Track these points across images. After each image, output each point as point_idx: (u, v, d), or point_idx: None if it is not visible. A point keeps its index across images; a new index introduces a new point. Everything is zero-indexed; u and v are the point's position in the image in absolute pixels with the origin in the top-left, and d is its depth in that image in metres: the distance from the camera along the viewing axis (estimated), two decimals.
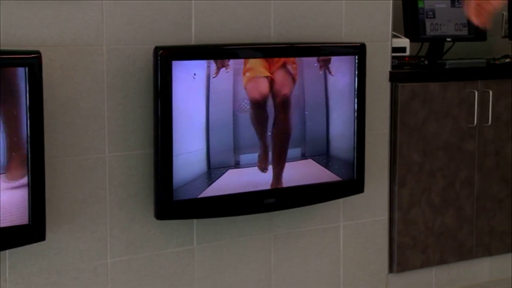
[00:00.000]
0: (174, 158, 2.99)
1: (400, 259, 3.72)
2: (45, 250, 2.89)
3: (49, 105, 2.79)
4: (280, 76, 3.20)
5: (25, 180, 2.70)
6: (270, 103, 3.19)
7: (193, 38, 3.14)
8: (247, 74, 3.13)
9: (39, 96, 2.69)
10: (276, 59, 3.19)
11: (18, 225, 2.71)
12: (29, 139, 2.69)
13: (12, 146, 2.68)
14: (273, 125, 3.21)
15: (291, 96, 3.23)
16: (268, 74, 3.17)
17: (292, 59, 3.22)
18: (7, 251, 2.80)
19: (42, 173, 2.73)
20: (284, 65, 3.21)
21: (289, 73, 3.23)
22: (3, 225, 2.67)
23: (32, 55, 2.69)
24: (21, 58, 2.68)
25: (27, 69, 2.66)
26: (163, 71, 2.94)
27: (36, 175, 2.72)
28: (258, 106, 3.17)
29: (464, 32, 4.08)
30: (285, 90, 3.22)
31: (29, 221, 2.72)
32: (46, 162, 2.75)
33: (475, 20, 2.60)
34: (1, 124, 2.64)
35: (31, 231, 2.74)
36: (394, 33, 3.70)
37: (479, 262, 3.97)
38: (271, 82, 3.18)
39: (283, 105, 3.22)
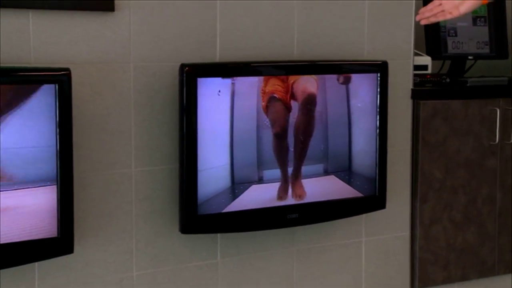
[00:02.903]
0: (199, 173, 3.03)
1: (421, 275, 3.75)
2: (73, 263, 2.95)
3: (77, 120, 2.84)
4: (297, 96, 3.24)
5: (54, 196, 2.75)
6: (287, 125, 3.23)
7: (218, 55, 3.20)
8: (266, 98, 3.17)
9: (68, 112, 2.74)
10: (296, 77, 3.22)
11: (47, 238, 2.75)
12: (58, 154, 2.73)
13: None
14: (291, 143, 3.24)
15: (309, 115, 3.27)
16: (286, 97, 3.21)
17: (311, 77, 3.26)
18: (36, 263, 2.85)
19: (71, 188, 2.78)
20: (303, 84, 3.24)
21: (308, 92, 3.26)
22: (32, 237, 2.72)
23: (62, 72, 2.73)
24: (52, 75, 2.73)
25: (57, 86, 2.71)
26: (188, 88, 2.98)
27: (65, 189, 2.76)
28: (279, 136, 3.22)
29: (486, 50, 4.12)
30: (302, 111, 3.25)
31: (58, 234, 2.77)
32: (74, 177, 2.80)
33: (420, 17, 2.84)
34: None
35: (59, 244, 2.78)
36: (416, 51, 3.73)
37: (501, 279, 3.99)
38: (290, 105, 3.22)
39: (300, 123, 3.26)
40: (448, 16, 2.81)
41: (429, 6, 2.86)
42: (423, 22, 2.90)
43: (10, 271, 2.82)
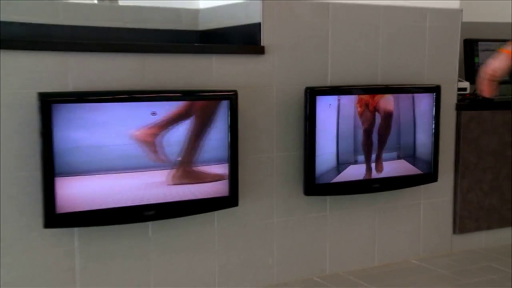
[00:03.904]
0: (316, 157, 3.07)
1: (460, 224, 3.70)
2: (237, 212, 3.02)
3: (241, 123, 2.90)
4: (380, 108, 3.22)
5: (226, 170, 2.83)
6: (373, 126, 3.22)
7: (329, 81, 3.20)
8: (359, 109, 3.17)
9: (236, 118, 2.82)
10: (380, 95, 3.21)
11: (222, 196, 2.84)
12: (229, 144, 2.81)
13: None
14: (375, 138, 3.23)
15: (387, 120, 3.24)
16: (373, 108, 3.18)
17: (389, 95, 3.23)
18: (216, 212, 2.95)
19: (236, 165, 2.86)
20: (383, 100, 3.22)
21: (386, 105, 3.24)
22: (213, 195, 2.81)
23: (232, 93, 2.81)
24: (226, 95, 2.81)
25: (229, 102, 2.80)
26: (310, 102, 3.02)
27: (233, 166, 2.84)
28: (364, 129, 3.22)
29: (506, 77, 3.97)
30: (383, 117, 3.23)
31: (228, 193, 2.85)
32: (238, 158, 2.88)
33: (485, 94, 2.24)
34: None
35: (230, 200, 2.87)
36: (459, 78, 3.66)
37: None
38: (374, 113, 3.20)
39: (381, 125, 3.25)
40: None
41: (483, 82, 2.32)
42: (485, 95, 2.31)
43: (200, 216, 2.92)
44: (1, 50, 2.49)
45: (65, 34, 3.16)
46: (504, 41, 3.92)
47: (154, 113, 2.65)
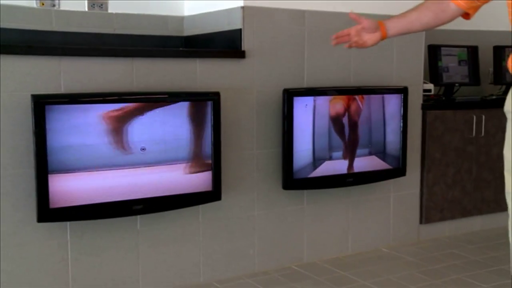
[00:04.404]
0: (294, 154, 3.01)
1: (426, 215, 3.67)
2: (220, 206, 2.96)
3: (223, 122, 2.85)
4: (352, 107, 3.18)
5: (210, 166, 2.76)
6: (346, 125, 3.16)
7: (305, 83, 3.16)
8: (332, 109, 3.12)
9: (218, 118, 2.76)
10: (351, 96, 3.17)
11: (206, 191, 2.78)
12: (212, 142, 2.76)
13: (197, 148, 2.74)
14: (348, 135, 3.19)
15: (359, 119, 3.20)
16: (345, 108, 3.14)
17: (360, 96, 3.19)
18: (200, 205, 2.88)
19: (219, 162, 2.79)
20: (355, 100, 3.19)
21: (358, 105, 3.20)
22: (198, 190, 2.74)
23: (215, 95, 2.76)
24: (210, 96, 2.75)
25: (212, 102, 2.74)
26: (288, 102, 2.97)
27: (216, 162, 2.78)
28: (338, 127, 3.18)
29: (466, 80, 3.98)
30: (355, 116, 3.19)
31: (212, 188, 2.79)
32: (221, 155, 2.82)
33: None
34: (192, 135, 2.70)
35: (213, 194, 2.81)
36: (424, 80, 3.64)
37: (475, 218, 3.87)
38: (346, 113, 3.15)
39: (354, 124, 3.21)
40: (354, 46, 2.15)
41: (341, 33, 2.16)
42: (334, 43, 2.16)
43: (186, 209, 2.85)
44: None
45: (58, 39, 3.10)
46: (463, 46, 4.03)
47: (143, 149, 2.59)
